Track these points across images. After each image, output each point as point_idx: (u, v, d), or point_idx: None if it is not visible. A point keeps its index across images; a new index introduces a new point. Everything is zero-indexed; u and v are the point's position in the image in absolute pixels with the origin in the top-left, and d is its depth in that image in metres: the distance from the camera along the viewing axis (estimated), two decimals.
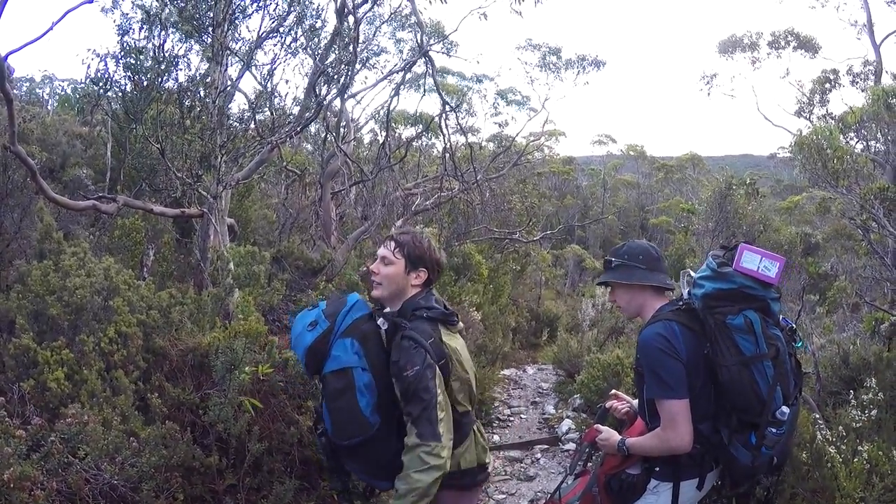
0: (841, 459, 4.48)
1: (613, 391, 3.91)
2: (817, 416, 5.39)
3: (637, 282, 3.25)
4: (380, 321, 3.02)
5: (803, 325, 8.69)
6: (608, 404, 3.78)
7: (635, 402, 3.71)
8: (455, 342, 3.03)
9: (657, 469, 3.15)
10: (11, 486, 3.42)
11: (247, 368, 4.86)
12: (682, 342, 2.99)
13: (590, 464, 3.66)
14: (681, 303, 3.20)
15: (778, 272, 3.00)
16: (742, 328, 2.94)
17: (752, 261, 3.01)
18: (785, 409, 2.98)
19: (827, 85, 20.05)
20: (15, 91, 6.03)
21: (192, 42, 7.84)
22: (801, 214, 24.79)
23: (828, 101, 20.33)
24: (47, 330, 4.79)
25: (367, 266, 3.95)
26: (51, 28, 5.84)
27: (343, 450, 3.01)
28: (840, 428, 4.90)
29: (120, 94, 7.74)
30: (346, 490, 3.24)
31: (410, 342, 2.81)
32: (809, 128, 12.62)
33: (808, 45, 22.48)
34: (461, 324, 3.21)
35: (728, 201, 16.03)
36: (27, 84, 22.24)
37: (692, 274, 3.31)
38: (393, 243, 3.10)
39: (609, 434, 3.38)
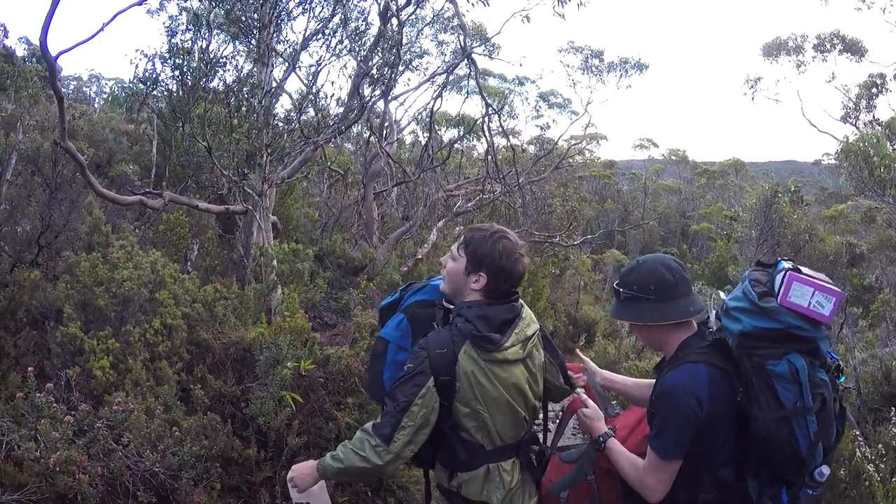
0: (879, 478, 4.43)
1: (577, 351, 3.36)
2: (857, 432, 5.30)
3: (650, 322, 2.73)
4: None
5: (845, 339, 8.54)
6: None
7: (621, 380, 3.31)
8: (480, 367, 2.67)
9: None
10: (57, 469, 3.53)
11: (289, 364, 4.94)
12: (707, 392, 2.52)
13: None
14: (709, 333, 2.73)
15: (833, 309, 2.43)
16: (785, 376, 2.43)
17: (803, 295, 2.43)
18: (825, 469, 2.53)
19: (874, 90, 19.71)
20: (63, 90, 6.20)
21: (238, 43, 7.97)
22: (845, 224, 24.26)
23: (874, 107, 19.99)
24: (94, 320, 4.92)
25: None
26: (101, 29, 6.01)
27: None
28: (879, 446, 4.84)
29: (166, 93, 7.90)
30: None
31: (421, 342, 2.73)
32: (856, 134, 12.45)
33: (854, 49, 22.04)
34: (517, 353, 2.75)
35: (773, 209, 15.72)
36: (74, 83, 22.90)
37: (723, 297, 2.78)
38: (462, 239, 2.91)
39: (594, 413, 2.90)
